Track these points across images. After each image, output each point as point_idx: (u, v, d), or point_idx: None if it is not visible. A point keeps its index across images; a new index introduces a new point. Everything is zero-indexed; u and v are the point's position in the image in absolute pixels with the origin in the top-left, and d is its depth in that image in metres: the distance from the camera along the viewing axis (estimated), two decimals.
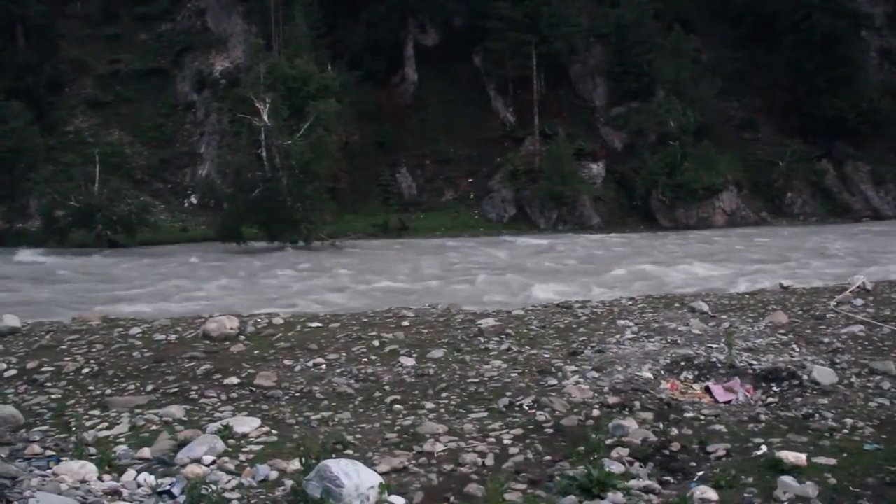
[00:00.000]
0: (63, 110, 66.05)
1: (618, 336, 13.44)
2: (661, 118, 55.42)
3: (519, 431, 9.06)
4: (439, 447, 8.61)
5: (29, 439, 9.01)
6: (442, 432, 9.05)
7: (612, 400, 10.01)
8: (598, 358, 12.02)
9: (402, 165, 61.44)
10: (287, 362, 12.39)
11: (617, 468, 7.83)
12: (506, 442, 8.80)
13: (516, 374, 11.30)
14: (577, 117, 62.13)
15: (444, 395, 10.55)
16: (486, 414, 9.74)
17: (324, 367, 12.13)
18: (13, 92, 58.39)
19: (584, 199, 56.51)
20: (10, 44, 65.14)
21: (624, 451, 8.35)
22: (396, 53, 66.20)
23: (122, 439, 9.09)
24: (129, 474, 7.62)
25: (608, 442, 8.56)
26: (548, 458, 8.38)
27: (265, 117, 46.55)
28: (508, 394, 10.36)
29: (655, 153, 55.78)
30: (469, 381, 11.07)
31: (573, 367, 11.51)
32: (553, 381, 10.87)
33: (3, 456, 7.76)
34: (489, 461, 8.29)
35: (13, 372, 12.40)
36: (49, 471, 7.26)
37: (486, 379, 11.11)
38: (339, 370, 11.88)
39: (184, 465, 7.99)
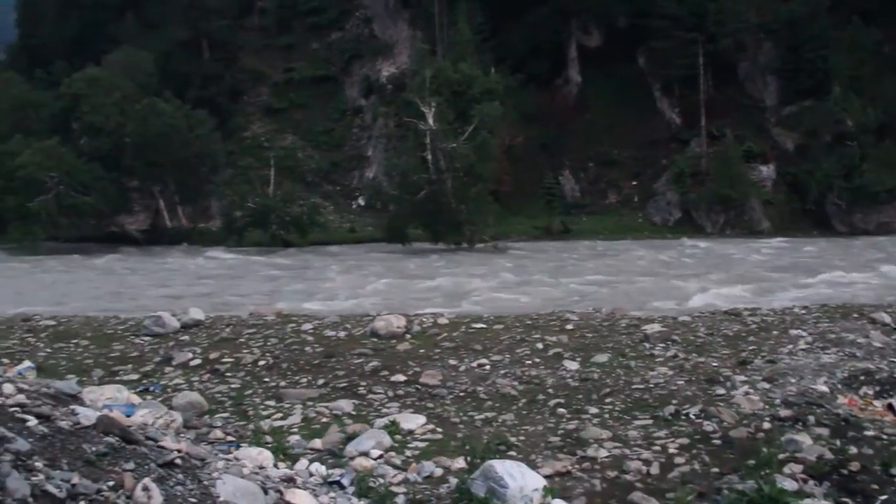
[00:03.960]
0: (241, 117, 70.02)
1: (790, 346, 12.91)
2: (838, 117, 52.40)
3: (685, 441, 8.84)
4: (603, 453, 8.52)
5: (212, 425, 9.60)
6: (606, 438, 8.95)
7: (784, 413, 9.60)
8: (769, 368, 11.58)
9: (566, 168, 61.08)
10: (452, 362, 12.63)
11: (790, 485, 7.49)
12: (671, 451, 8.59)
13: (683, 382, 11.05)
14: (745, 117, 59.68)
15: (608, 400, 10.45)
16: (651, 421, 9.57)
17: (488, 367, 12.28)
18: (199, 101, 62.58)
19: (753, 203, 54.32)
20: (196, 57, 69.75)
21: (797, 468, 7.96)
22: (559, 55, 65.93)
23: (296, 430, 9.54)
24: (302, 463, 7.94)
25: (780, 457, 8.18)
26: (715, 470, 8.12)
27: (430, 121, 47.41)
28: (674, 402, 10.15)
29: (831, 154, 52.83)
30: (634, 387, 10.93)
31: (742, 377, 11.15)
32: (721, 391, 10.57)
33: (192, 438, 8.29)
34: (654, 470, 8.11)
35: (198, 361, 13.29)
36: (231, 455, 7.68)
37: (651, 386, 10.93)
38: (502, 371, 12.00)
39: (352, 458, 8.26)
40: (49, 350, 14.78)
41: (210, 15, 70.04)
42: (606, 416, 9.86)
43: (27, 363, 10.84)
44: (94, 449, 4.80)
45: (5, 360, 12.52)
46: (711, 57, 58.04)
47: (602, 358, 12.50)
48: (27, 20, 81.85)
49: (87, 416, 5.41)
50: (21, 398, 5.24)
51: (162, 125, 55.66)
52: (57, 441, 4.72)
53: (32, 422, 4.85)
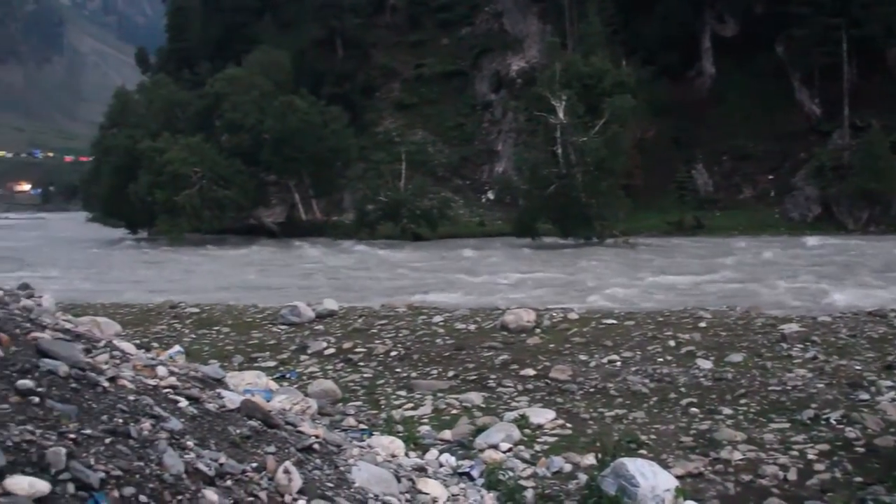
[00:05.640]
0: (373, 113, 71.61)
1: None
2: None
3: (825, 447, 8.47)
4: (737, 455, 8.27)
5: (345, 412, 9.88)
6: (740, 440, 8.69)
7: None
8: None
9: (699, 162, 59.46)
10: (582, 357, 12.55)
11: None
12: (810, 457, 8.25)
13: (823, 385, 10.62)
14: (893, 107, 56.24)
15: (742, 401, 10.15)
16: (788, 425, 9.22)
17: (618, 364, 12.14)
18: (333, 97, 64.45)
19: None
20: (331, 55, 71.81)
21: None
22: (692, 46, 64.18)
23: (426, 420, 9.71)
24: (432, 453, 8.05)
25: None
26: (858, 479, 7.72)
27: (560, 115, 47.03)
28: (814, 405, 9.75)
29: None
30: (770, 388, 10.57)
31: (889, 382, 10.61)
32: (865, 396, 10.09)
33: (326, 425, 8.56)
34: (791, 476, 7.80)
35: (332, 350, 13.71)
36: (364, 443, 7.89)
37: (788, 388, 10.55)
38: (633, 368, 11.84)
39: (482, 450, 8.34)
40: (193, 336, 15.60)
41: (343, 14, 71.93)
42: (741, 417, 9.57)
43: (177, 347, 11.43)
44: (238, 431, 5.04)
45: (155, 345, 13.25)
46: (856, 43, 54.98)
47: (736, 357, 12.15)
48: (176, 26, 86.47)
49: (231, 399, 5.67)
50: (173, 380, 5.53)
51: (298, 121, 57.56)
52: (205, 422, 4.97)
53: (183, 403, 5.12)
